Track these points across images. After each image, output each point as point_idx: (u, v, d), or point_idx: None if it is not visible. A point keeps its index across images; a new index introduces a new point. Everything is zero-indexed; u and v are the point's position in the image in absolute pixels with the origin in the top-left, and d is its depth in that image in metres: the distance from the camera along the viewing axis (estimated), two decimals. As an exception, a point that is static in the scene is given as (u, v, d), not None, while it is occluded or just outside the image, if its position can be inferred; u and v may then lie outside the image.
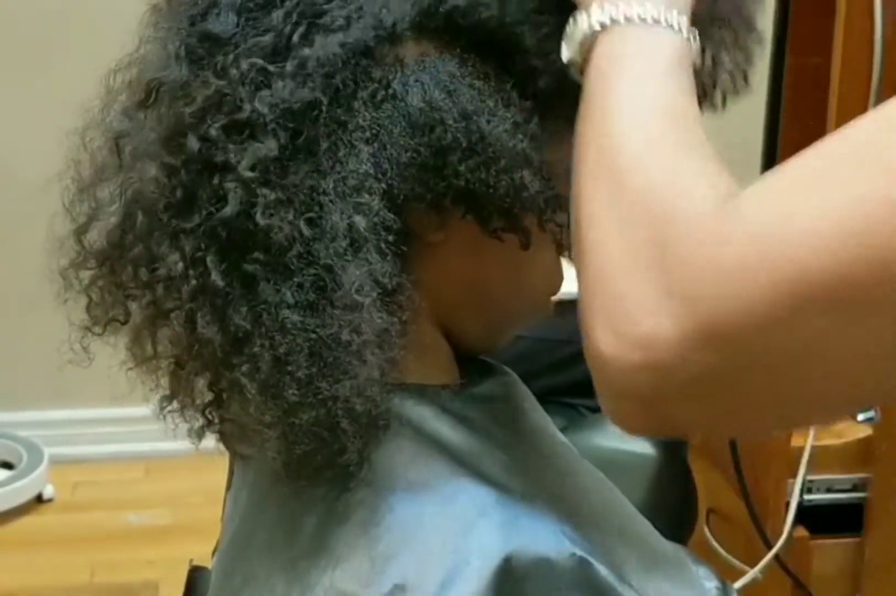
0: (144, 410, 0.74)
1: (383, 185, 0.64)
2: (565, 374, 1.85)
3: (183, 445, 0.73)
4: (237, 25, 0.65)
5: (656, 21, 0.60)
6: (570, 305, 1.91)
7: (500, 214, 0.66)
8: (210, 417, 0.70)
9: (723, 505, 1.67)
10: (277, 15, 0.65)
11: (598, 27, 0.61)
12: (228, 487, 0.83)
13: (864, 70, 1.45)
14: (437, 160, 0.64)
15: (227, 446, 0.73)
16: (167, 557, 2.06)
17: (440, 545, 0.66)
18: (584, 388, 1.93)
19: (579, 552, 0.67)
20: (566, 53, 0.63)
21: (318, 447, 0.65)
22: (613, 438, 1.69)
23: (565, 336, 1.85)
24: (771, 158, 1.71)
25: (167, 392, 0.70)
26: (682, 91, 0.59)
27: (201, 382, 0.69)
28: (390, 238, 0.64)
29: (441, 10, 0.65)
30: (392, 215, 0.64)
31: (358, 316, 0.63)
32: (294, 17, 0.65)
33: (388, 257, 0.64)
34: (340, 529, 0.68)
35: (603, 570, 0.67)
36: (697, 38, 0.62)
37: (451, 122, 0.64)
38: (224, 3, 0.66)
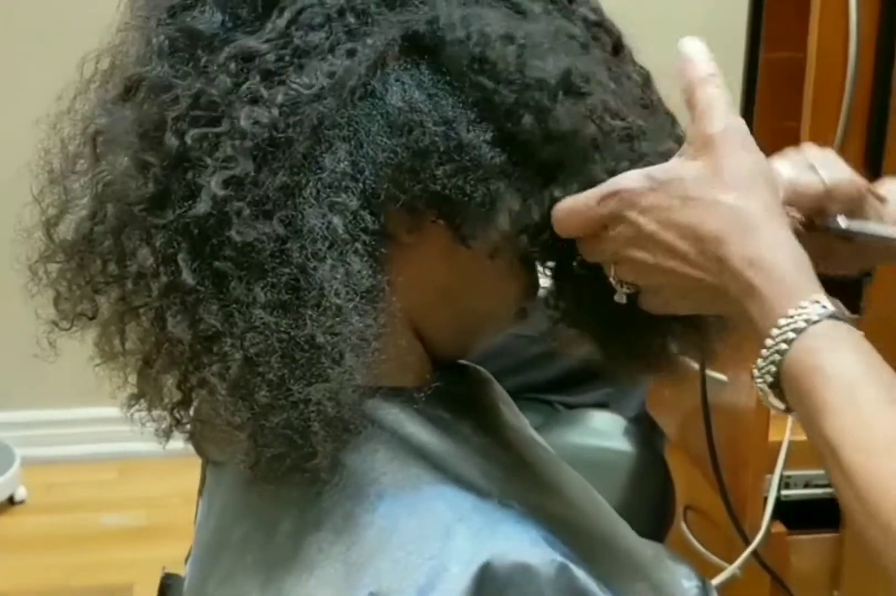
0: (118, 410, 0.73)
1: (360, 185, 0.63)
2: (541, 370, 1.84)
3: (157, 445, 0.72)
4: (222, 24, 0.64)
5: (816, 321, 0.61)
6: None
7: (471, 223, 0.65)
8: (178, 416, 0.69)
9: (700, 501, 1.67)
10: (267, 23, 0.63)
11: (779, 357, 0.61)
12: (201, 492, 0.82)
13: (839, 65, 1.45)
14: (414, 162, 0.63)
15: (196, 447, 0.72)
16: (142, 559, 2.04)
17: (416, 551, 0.65)
18: (560, 384, 1.93)
19: (559, 558, 0.66)
20: (761, 385, 0.62)
21: (288, 451, 0.64)
22: (590, 435, 1.69)
23: (540, 333, 1.85)
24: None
25: (135, 390, 0.69)
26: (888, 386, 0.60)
27: (170, 381, 0.68)
28: (367, 239, 0.63)
29: (426, 44, 0.64)
30: (370, 216, 0.63)
31: (334, 318, 0.62)
32: (280, 28, 0.63)
33: (366, 259, 0.63)
34: (314, 535, 0.66)
35: (582, 574, 0.66)
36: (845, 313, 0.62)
37: (430, 124, 0.63)
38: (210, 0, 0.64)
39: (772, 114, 1.66)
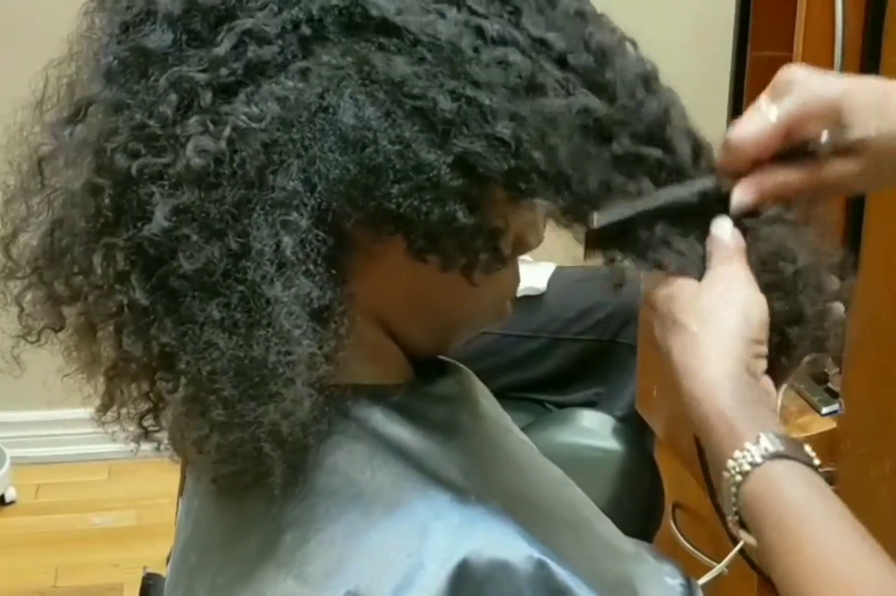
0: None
1: (313, 202, 0.62)
2: (530, 369, 1.85)
3: (146, 446, 0.72)
4: (174, 42, 0.62)
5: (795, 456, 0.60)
6: (534, 301, 1.90)
7: (426, 240, 0.64)
8: (148, 424, 0.69)
9: (689, 499, 1.67)
10: (217, 49, 0.62)
11: (735, 500, 0.60)
12: (181, 492, 0.82)
13: (825, 64, 1.45)
14: (367, 179, 0.62)
15: (175, 447, 0.72)
16: (131, 560, 2.04)
17: (395, 549, 0.65)
18: (550, 383, 1.93)
19: (536, 554, 0.66)
20: (732, 525, 0.61)
21: (245, 468, 0.64)
22: (579, 434, 1.69)
23: (530, 332, 1.85)
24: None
25: (103, 400, 0.69)
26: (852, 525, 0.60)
27: (135, 393, 0.68)
28: (319, 258, 0.62)
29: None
30: (322, 233, 0.62)
31: (284, 338, 0.62)
32: (232, 42, 0.62)
33: (317, 277, 0.62)
34: (292, 535, 0.66)
35: (560, 571, 0.66)
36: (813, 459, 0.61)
37: (384, 142, 0.61)
38: (161, 15, 0.63)
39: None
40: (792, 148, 0.67)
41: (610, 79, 0.64)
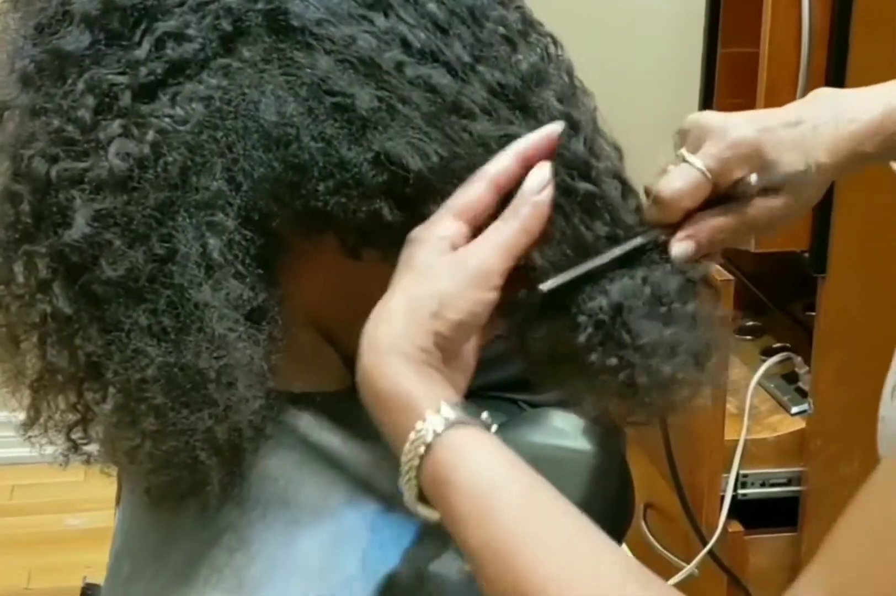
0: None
1: (238, 201, 0.60)
2: (505, 369, 1.83)
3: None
4: (92, 44, 0.61)
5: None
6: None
7: (359, 236, 0.63)
8: (77, 437, 0.67)
9: (660, 500, 1.66)
10: (137, 50, 0.60)
11: (417, 462, 0.57)
12: (118, 502, 0.81)
13: (792, 60, 1.46)
14: (293, 176, 0.60)
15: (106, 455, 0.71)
16: (106, 562, 2.03)
17: (323, 560, 0.63)
18: (524, 383, 1.92)
19: (468, 566, 0.64)
20: (409, 502, 0.58)
21: (180, 477, 0.63)
22: (550, 434, 1.68)
23: (503, 331, 1.84)
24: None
25: (29, 414, 0.67)
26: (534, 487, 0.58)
27: (63, 404, 0.66)
28: (248, 259, 0.61)
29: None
30: (250, 233, 0.61)
31: (216, 343, 0.60)
32: (152, 49, 0.60)
33: (248, 278, 0.61)
34: (224, 543, 0.65)
35: None
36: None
37: (306, 139, 0.60)
38: (78, 16, 0.61)
39: (730, 107, 1.67)
40: (719, 193, 0.68)
41: (537, 105, 0.62)
